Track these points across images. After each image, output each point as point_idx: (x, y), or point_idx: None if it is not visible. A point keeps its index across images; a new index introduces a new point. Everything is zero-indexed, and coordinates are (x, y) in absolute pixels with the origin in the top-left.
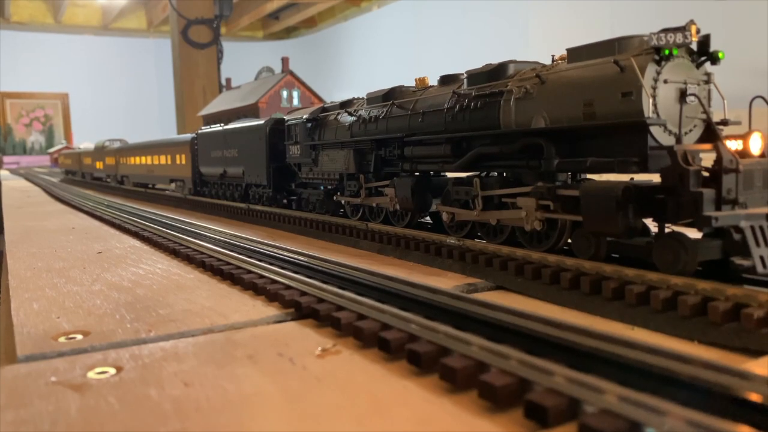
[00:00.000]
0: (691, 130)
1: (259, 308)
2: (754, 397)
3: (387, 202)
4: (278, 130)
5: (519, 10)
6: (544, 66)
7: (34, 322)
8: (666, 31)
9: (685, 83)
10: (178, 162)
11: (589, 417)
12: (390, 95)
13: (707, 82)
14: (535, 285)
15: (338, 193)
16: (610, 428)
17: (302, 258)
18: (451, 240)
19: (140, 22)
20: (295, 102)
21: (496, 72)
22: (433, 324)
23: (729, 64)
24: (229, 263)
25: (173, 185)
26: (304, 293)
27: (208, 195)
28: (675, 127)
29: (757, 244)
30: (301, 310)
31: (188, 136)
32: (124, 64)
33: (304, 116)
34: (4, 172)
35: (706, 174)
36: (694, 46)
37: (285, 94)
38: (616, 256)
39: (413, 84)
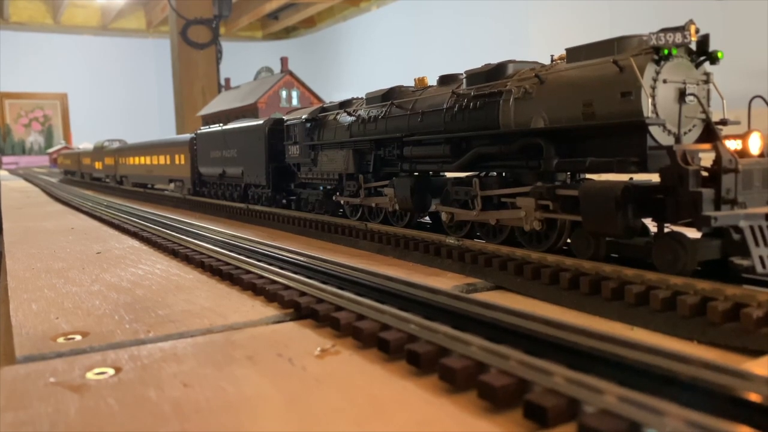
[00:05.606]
0: (690, 130)
1: (258, 308)
2: (754, 397)
3: (386, 202)
4: (277, 131)
5: (518, 10)
6: (543, 66)
7: (33, 323)
8: (665, 30)
9: (685, 83)
10: (177, 162)
11: (588, 417)
12: (389, 95)
13: (706, 81)
14: (535, 285)
15: (337, 194)
16: (610, 428)
17: (301, 258)
18: (451, 240)
19: (139, 23)
20: (294, 102)
21: (495, 72)
22: (433, 324)
23: (728, 64)
24: (228, 263)
25: (172, 185)
26: (303, 293)
27: (207, 195)
28: (674, 126)
29: (757, 243)
30: (300, 310)
31: (187, 136)
32: (124, 64)
33: (303, 116)
34: (3, 173)
35: (705, 174)
36: (693, 46)
37: (284, 94)
38: (616, 256)
39: (412, 84)
